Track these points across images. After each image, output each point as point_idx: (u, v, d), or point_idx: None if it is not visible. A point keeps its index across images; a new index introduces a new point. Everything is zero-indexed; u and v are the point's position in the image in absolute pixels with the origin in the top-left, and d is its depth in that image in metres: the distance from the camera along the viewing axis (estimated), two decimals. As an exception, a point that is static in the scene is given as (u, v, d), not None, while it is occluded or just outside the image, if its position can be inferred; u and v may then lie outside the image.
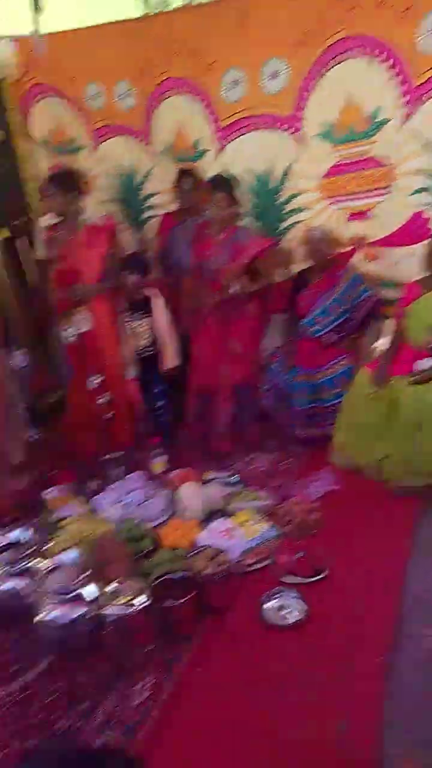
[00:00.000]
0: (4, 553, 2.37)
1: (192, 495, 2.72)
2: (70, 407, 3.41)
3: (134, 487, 2.99)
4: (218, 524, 2.53)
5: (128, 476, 3.11)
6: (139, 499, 2.89)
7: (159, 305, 3.26)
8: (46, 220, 3.43)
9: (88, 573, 2.17)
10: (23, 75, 3.92)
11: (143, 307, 3.27)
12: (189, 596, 2.12)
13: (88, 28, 3.61)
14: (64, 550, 2.39)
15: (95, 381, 3.15)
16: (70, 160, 3.96)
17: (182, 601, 2.10)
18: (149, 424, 3.34)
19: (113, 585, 2.11)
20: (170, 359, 3.30)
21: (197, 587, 2.17)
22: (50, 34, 3.47)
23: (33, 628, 2.09)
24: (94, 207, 3.85)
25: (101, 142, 3.83)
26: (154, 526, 2.69)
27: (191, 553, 2.36)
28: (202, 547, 2.39)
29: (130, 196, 3.88)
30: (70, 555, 2.28)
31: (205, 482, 2.90)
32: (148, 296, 3.26)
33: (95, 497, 2.95)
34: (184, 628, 2.14)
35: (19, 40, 3.82)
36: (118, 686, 1.98)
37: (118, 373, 3.24)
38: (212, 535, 2.47)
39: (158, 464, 3.06)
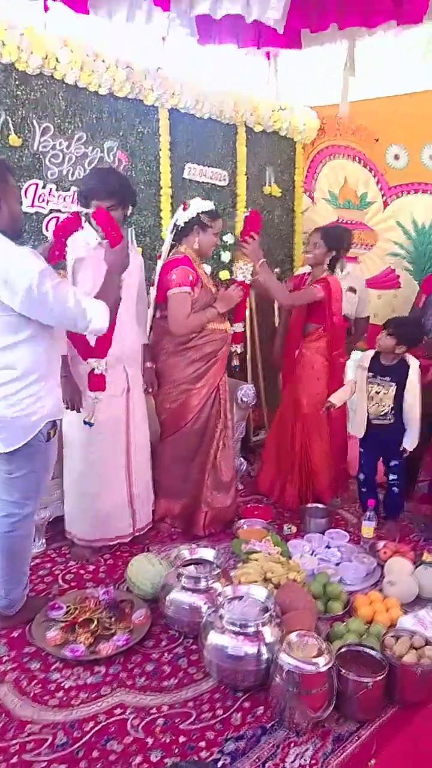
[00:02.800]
0: (190, 567, 2.35)
1: (403, 573, 2.42)
2: (268, 444, 3.41)
3: (335, 545, 2.79)
4: (430, 614, 2.18)
5: (330, 531, 2.92)
6: (338, 559, 2.67)
7: (414, 374, 2.92)
8: (302, 270, 3.55)
9: (270, 614, 2.02)
10: (317, 138, 4.28)
11: (394, 372, 2.94)
12: (379, 678, 1.83)
13: (402, 95, 3.81)
14: (248, 582, 2.30)
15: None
16: (356, 215, 4.18)
17: (372, 680, 1.81)
18: (371, 490, 3.11)
19: (295, 635, 1.92)
20: (412, 440, 2.93)
21: (389, 672, 1.87)
22: (360, 101, 3.70)
23: (203, 647, 2.01)
24: (378, 261, 4.06)
25: (394, 200, 3.98)
26: (349, 591, 2.44)
27: (389, 634, 2.06)
28: (405, 631, 2.07)
29: (421, 252, 4.01)
30: (256, 591, 2.15)
31: (422, 563, 2.58)
32: (405, 361, 2.94)
33: (291, 541, 2.81)
34: (365, 709, 1.86)
35: (317, 108, 4.24)
36: (275, 737, 1.80)
37: (322, 423, 3.16)
38: (420, 624, 2.13)
39: (368, 529, 2.81)
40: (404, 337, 2.86)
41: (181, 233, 2.85)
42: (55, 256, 2.32)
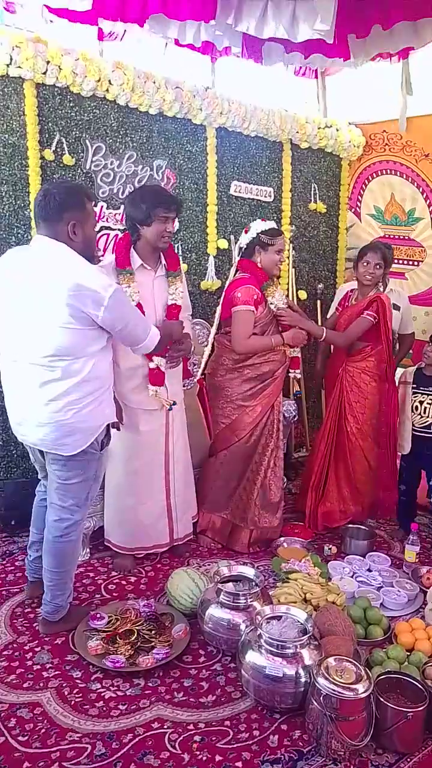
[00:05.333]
0: (229, 584, 2.36)
1: (445, 599, 2.37)
2: (310, 463, 3.39)
3: (376, 568, 2.75)
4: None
5: (371, 554, 2.88)
6: (379, 583, 2.63)
7: None
8: (345, 288, 3.54)
9: (309, 636, 2.01)
10: (363, 155, 4.29)
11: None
12: (420, 709, 1.80)
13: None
14: (287, 603, 2.30)
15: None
16: (403, 231, 4.16)
17: (412, 711, 1.78)
18: (411, 508, 3.10)
19: (333, 659, 1.91)
20: None
21: (430, 703, 1.84)
22: (410, 117, 3.69)
23: (240, 666, 2.03)
24: (426, 277, 4.05)
25: None
26: (390, 617, 2.41)
27: (430, 663, 2.03)
28: (447, 661, 2.03)
29: None
30: (296, 611, 2.15)
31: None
32: None
33: (331, 563, 2.79)
34: (404, 741, 1.82)
35: (363, 126, 4.24)
36: (312, 763, 1.79)
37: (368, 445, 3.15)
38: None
39: (410, 553, 2.76)
40: None
41: (244, 255, 2.94)
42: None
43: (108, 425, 2.24)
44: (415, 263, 4.10)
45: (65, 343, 2.00)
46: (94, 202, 2.25)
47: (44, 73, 2.93)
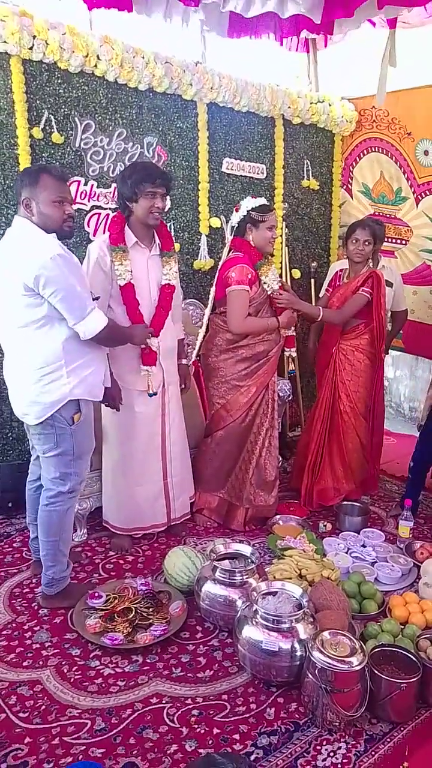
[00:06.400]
0: (225, 561, 2.39)
1: (438, 574, 2.40)
2: (303, 441, 3.41)
3: (371, 544, 2.78)
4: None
5: (365, 530, 2.91)
6: (373, 558, 2.67)
7: None
8: (336, 266, 3.52)
9: (304, 611, 2.04)
10: (355, 131, 4.23)
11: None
12: (413, 680, 1.83)
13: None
14: (283, 579, 2.33)
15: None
16: (391, 210, 4.10)
17: (405, 682, 1.82)
18: (417, 484, 3.12)
19: (328, 633, 1.94)
20: None
21: (423, 674, 1.87)
22: (394, 92, 3.62)
23: (236, 641, 2.05)
24: (413, 256, 4.02)
25: (424, 197, 3.88)
26: (384, 592, 2.44)
27: (424, 636, 2.06)
28: (440, 633, 2.06)
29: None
30: (291, 587, 2.18)
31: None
32: None
33: (326, 539, 2.82)
34: (398, 711, 1.86)
35: (355, 101, 4.16)
36: (307, 734, 1.83)
37: (359, 422, 3.16)
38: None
39: (404, 528, 2.79)
40: None
41: (236, 234, 2.91)
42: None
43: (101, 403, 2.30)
44: (403, 242, 4.08)
45: (24, 312, 2.10)
46: (64, 180, 2.21)
47: (30, 49, 2.86)
